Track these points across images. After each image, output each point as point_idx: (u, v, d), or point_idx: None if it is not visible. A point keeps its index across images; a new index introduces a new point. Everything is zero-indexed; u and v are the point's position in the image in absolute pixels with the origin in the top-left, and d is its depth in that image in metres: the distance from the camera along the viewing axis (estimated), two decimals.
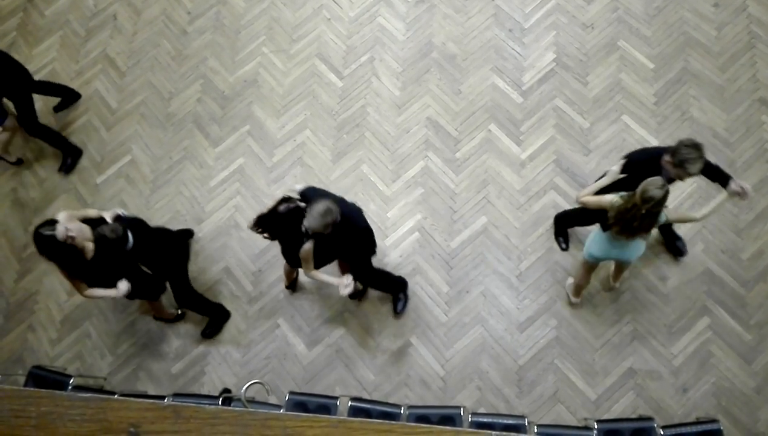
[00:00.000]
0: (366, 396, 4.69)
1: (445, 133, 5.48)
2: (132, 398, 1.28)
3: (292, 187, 4.45)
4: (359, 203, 5.30)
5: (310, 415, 1.34)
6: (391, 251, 5.16)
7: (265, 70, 6.04)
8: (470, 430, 1.44)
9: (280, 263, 5.22)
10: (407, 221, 5.24)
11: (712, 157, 4.98)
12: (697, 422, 4.14)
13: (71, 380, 4.65)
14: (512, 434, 1.43)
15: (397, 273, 4.97)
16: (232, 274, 5.30)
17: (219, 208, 5.55)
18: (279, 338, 5.06)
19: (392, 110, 5.65)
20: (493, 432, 1.48)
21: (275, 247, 5.28)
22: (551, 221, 5.03)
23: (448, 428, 1.45)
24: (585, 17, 5.65)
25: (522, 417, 4.21)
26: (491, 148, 5.35)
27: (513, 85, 5.54)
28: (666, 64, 5.37)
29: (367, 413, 4.30)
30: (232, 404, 4.40)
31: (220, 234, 5.46)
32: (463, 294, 4.96)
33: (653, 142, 5.12)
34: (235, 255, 5.36)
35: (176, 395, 4.61)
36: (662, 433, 4.02)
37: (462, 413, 4.24)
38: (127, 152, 5.91)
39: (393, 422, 1.39)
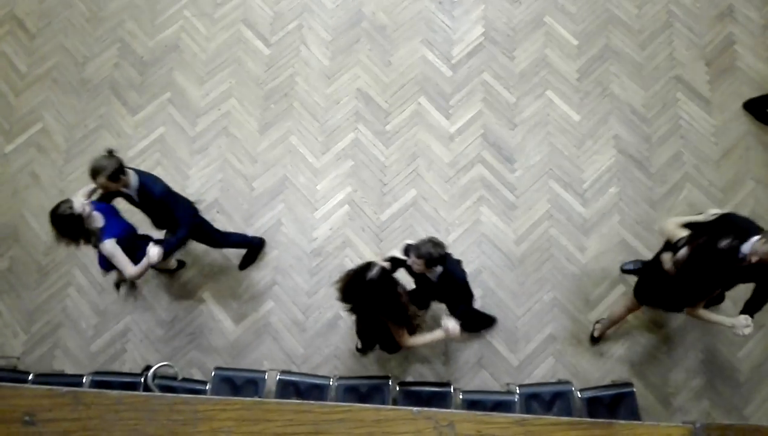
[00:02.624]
0: (295, 369, 4.67)
1: (376, 106, 5.43)
2: (25, 385, 1.19)
3: None
4: (288, 175, 5.24)
5: (223, 398, 1.29)
6: (321, 224, 5.11)
7: (187, 35, 5.77)
8: (390, 407, 1.44)
9: None
10: (337, 193, 5.19)
11: (629, 133, 5.19)
12: (612, 385, 4.36)
13: None
14: (432, 409, 1.44)
15: (330, 246, 4.97)
16: None
17: None
18: (204, 313, 4.94)
19: (321, 80, 5.54)
20: (414, 409, 1.49)
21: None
22: (478, 193, 5.10)
23: (368, 406, 1.45)
24: None
25: (448, 384, 4.31)
26: (421, 121, 5.35)
27: (442, 58, 5.54)
28: (589, 41, 5.51)
29: (296, 386, 4.29)
30: (156, 381, 4.27)
31: None
32: None
33: (575, 117, 5.26)
34: None
35: (96, 373, 4.44)
36: (579, 396, 4.22)
37: (390, 383, 4.29)
38: (38, 120, 5.55)
39: (312, 402, 1.37)
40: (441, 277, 3.80)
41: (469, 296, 4.00)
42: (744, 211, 4.88)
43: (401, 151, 5.29)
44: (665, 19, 5.52)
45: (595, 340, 4.71)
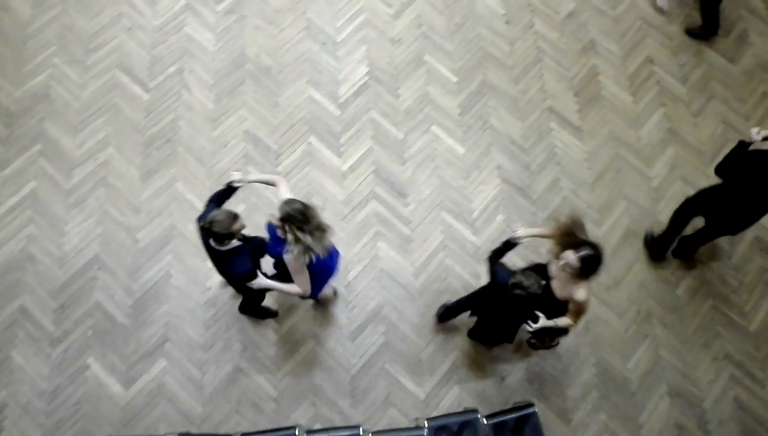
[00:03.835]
0: (194, 430, 4.39)
1: (265, 147, 5.36)
2: None
3: None
4: (175, 224, 5.01)
5: None
6: (214, 273, 4.88)
7: (58, 83, 5.44)
8: None
9: (87, 296, 4.75)
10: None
11: (511, 163, 5.44)
12: (515, 408, 4.45)
13: None
14: None
15: (225, 295, 4.77)
16: (29, 313, 4.68)
17: (9, 239, 4.88)
18: (90, 379, 4.57)
19: (206, 124, 5.39)
20: None
21: (79, 279, 4.80)
22: (375, 229, 5.12)
23: None
24: (393, 32, 5.87)
25: (357, 427, 4.22)
26: (313, 161, 5.33)
27: (330, 98, 5.58)
28: (467, 78, 5.76)
29: None
30: None
31: (11, 269, 4.80)
32: (293, 310, 4.87)
33: (460, 150, 5.45)
34: (31, 292, 4.74)
35: None
36: (486, 422, 4.28)
37: (297, 432, 4.14)
38: None
39: None
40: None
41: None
42: (620, 229, 5.25)
43: (294, 191, 5.21)
44: (535, 55, 5.90)
45: None
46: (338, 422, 4.57)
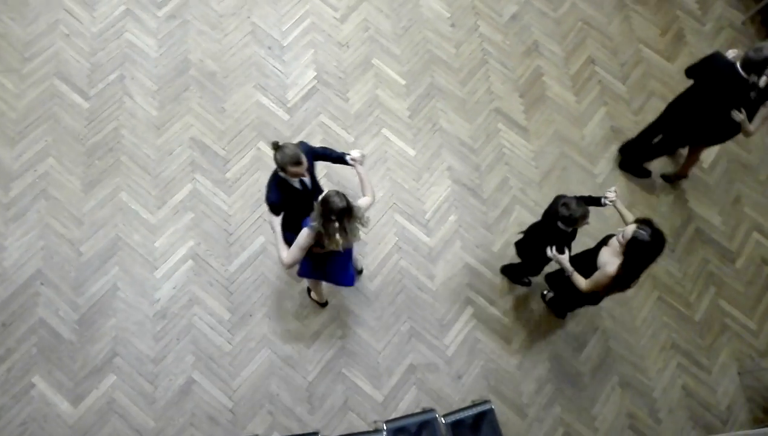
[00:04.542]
0: None
1: (213, 153, 5.26)
2: None
3: None
4: (120, 235, 4.87)
5: None
6: (163, 284, 4.78)
7: None
8: None
9: (29, 312, 4.57)
10: (178, 249, 4.91)
11: (461, 164, 5.51)
12: (472, 405, 4.49)
13: None
14: None
15: (175, 306, 4.66)
16: None
17: None
18: (36, 399, 4.39)
19: (150, 131, 5.26)
20: None
21: (21, 295, 4.62)
22: None
23: None
24: (340, 36, 5.86)
25: (315, 433, 4.18)
26: (263, 166, 5.27)
27: (278, 103, 5.53)
28: (415, 81, 5.80)
29: None
30: None
31: None
32: (247, 318, 4.79)
33: (411, 152, 5.48)
34: None
35: None
36: (443, 421, 4.30)
37: None
38: None
39: None
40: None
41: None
42: None
43: (245, 198, 5.15)
44: (481, 57, 5.98)
45: None
46: (296, 430, 4.52)
